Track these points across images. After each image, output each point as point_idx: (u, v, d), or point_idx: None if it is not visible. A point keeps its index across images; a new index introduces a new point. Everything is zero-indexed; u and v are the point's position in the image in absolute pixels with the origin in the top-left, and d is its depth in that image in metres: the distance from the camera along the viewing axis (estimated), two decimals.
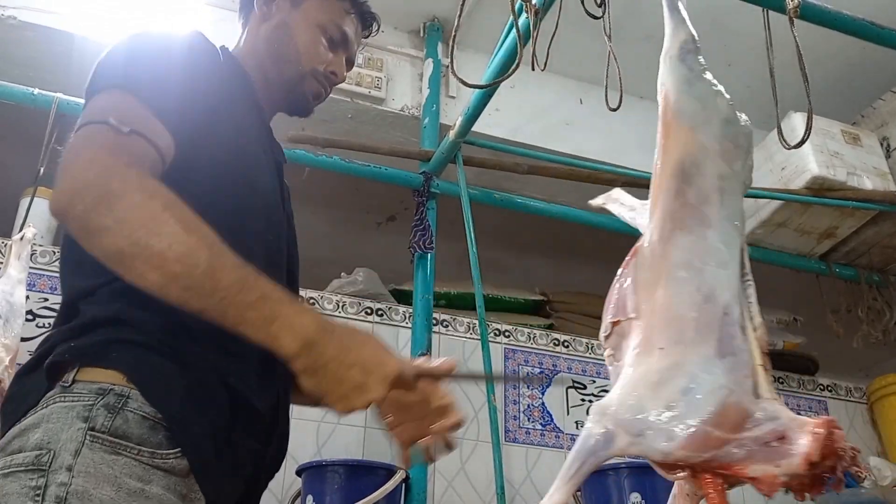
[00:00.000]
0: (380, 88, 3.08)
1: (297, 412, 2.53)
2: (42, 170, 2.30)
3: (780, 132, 1.87)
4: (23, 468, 0.88)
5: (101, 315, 0.98)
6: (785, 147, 1.86)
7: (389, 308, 2.84)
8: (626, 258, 1.12)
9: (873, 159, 3.02)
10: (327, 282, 2.97)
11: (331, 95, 3.07)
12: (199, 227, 0.90)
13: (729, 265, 1.06)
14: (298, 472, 2.37)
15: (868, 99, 3.25)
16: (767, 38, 1.92)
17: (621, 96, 1.78)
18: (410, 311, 2.74)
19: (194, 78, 1.08)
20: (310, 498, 2.28)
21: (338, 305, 2.77)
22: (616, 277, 1.12)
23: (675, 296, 1.03)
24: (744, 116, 1.26)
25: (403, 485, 2.34)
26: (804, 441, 0.88)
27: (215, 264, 0.87)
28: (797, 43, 1.84)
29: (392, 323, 2.81)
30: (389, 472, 2.31)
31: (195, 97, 1.06)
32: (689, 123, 1.17)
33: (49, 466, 0.87)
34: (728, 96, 1.26)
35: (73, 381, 0.94)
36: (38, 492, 0.86)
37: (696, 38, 1.31)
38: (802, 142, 1.82)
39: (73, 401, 0.92)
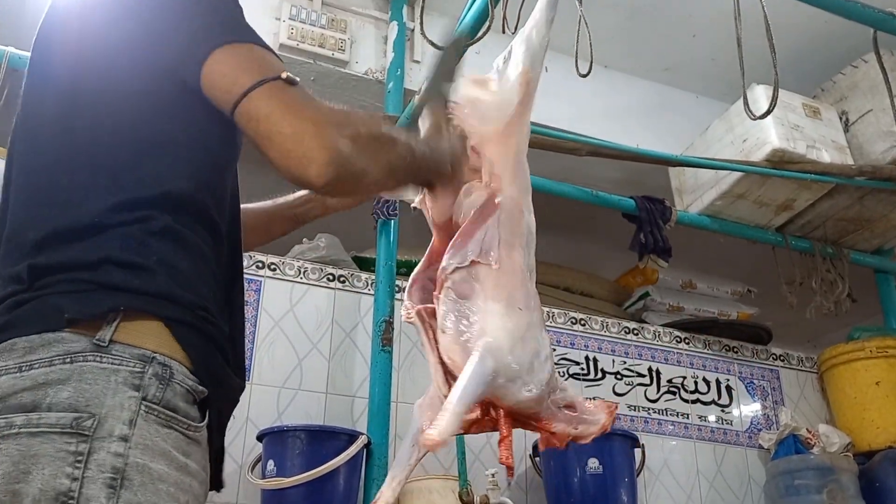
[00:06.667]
0: (343, 51, 3.02)
1: (255, 378, 2.52)
2: None
3: (746, 103, 1.88)
4: (57, 429, 0.83)
5: (135, 260, 0.95)
6: (751, 118, 1.88)
7: (352, 274, 2.82)
8: (486, 204, 1.18)
9: (832, 133, 3.06)
10: (289, 247, 2.93)
11: (293, 57, 3.02)
12: (392, 137, 1.09)
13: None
14: (259, 438, 2.35)
15: (828, 73, 3.29)
16: (736, 8, 1.93)
17: (591, 63, 1.77)
18: (373, 277, 2.72)
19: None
20: (270, 463, 2.27)
21: (299, 271, 2.74)
22: (478, 217, 1.17)
23: (523, 266, 1.17)
24: None
25: (365, 450, 2.34)
26: (603, 417, 1.19)
27: (407, 153, 1.09)
28: (765, 13, 1.84)
29: (354, 290, 2.79)
30: (351, 437, 2.31)
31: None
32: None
33: (93, 433, 0.84)
34: None
35: (111, 342, 0.89)
36: (79, 458, 0.82)
37: None
38: (768, 112, 1.83)
39: (113, 363, 0.88)
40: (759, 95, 2.85)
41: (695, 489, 2.97)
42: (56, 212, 0.97)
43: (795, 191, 3.10)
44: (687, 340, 3.29)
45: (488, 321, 1.11)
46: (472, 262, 1.14)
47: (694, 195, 3.24)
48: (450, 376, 1.13)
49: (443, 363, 1.14)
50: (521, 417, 1.14)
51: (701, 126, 3.31)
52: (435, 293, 1.16)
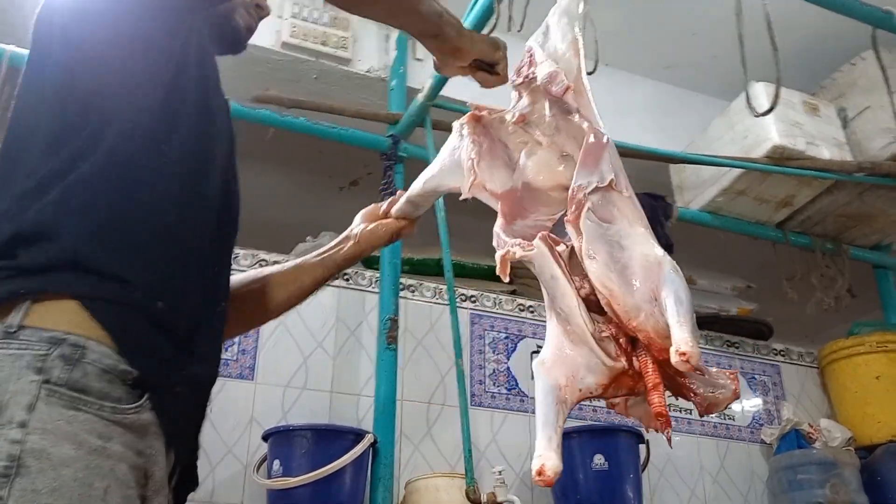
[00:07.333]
0: (346, 49, 3.02)
1: (260, 377, 2.53)
2: None
3: (748, 100, 1.89)
4: None
5: (51, 245, 0.91)
6: (753, 115, 1.89)
7: (356, 272, 2.82)
8: (597, 135, 1.07)
9: (831, 129, 3.08)
10: (292, 245, 2.93)
11: (296, 55, 3.02)
12: None
13: None
14: (265, 437, 2.36)
15: (827, 70, 3.30)
16: (737, 6, 1.94)
17: (597, 61, 1.78)
18: (377, 275, 2.73)
19: None
20: (276, 462, 2.27)
21: None
22: (595, 144, 1.05)
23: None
24: None
25: (371, 448, 2.35)
26: (732, 383, 1.02)
27: None
28: (767, 12, 1.86)
29: (359, 287, 2.80)
30: (357, 436, 2.32)
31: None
32: None
33: None
34: None
35: (20, 327, 0.87)
36: None
37: None
38: (770, 109, 1.85)
39: (20, 349, 0.86)
40: (760, 93, 2.85)
41: (699, 485, 2.99)
42: None
43: (795, 187, 3.12)
44: None
45: (641, 247, 0.97)
46: (610, 184, 1.01)
47: (695, 192, 3.25)
48: (594, 311, 0.98)
49: (585, 298, 0.98)
50: (669, 369, 0.97)
51: (702, 123, 3.32)
52: (568, 219, 1.01)
